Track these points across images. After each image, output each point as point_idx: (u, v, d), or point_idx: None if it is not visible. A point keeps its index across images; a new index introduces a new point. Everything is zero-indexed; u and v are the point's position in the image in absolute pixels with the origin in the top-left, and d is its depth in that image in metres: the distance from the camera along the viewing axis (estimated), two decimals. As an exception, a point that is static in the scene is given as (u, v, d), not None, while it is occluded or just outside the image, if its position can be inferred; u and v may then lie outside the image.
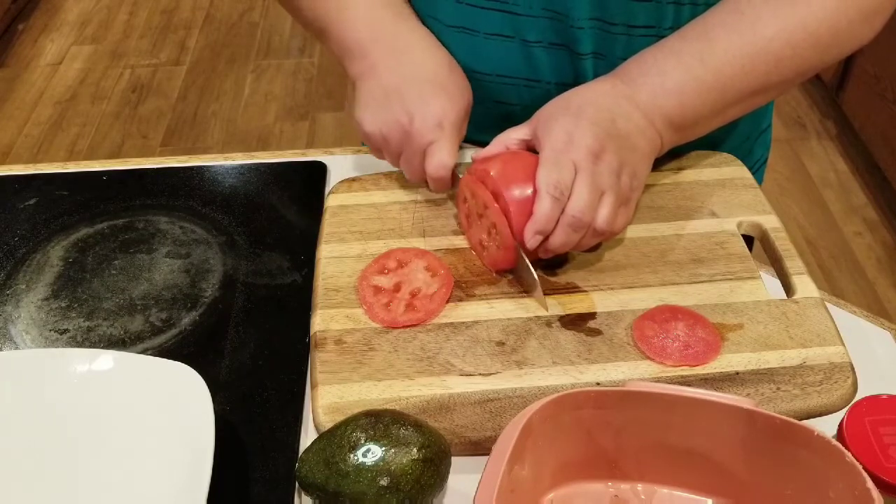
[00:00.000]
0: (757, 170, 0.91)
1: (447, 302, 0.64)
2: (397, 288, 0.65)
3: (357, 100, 0.72)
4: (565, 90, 0.69)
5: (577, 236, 0.62)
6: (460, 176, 0.69)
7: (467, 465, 0.55)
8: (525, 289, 0.65)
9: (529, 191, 0.62)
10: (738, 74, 0.66)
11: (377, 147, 0.72)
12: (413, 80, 0.70)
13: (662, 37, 0.70)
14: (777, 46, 0.66)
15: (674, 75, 0.66)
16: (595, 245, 0.68)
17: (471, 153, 0.71)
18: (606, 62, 0.73)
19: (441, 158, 0.68)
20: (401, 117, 0.68)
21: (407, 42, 0.72)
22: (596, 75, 0.74)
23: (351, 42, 0.72)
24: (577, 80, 0.74)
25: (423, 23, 0.76)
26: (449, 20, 0.75)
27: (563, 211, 0.61)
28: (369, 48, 0.71)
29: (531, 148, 0.67)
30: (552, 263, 0.67)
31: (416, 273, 0.67)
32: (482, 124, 0.77)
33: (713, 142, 0.81)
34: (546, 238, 0.62)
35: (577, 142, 0.62)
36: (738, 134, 0.85)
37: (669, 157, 0.77)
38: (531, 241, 0.62)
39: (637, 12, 0.71)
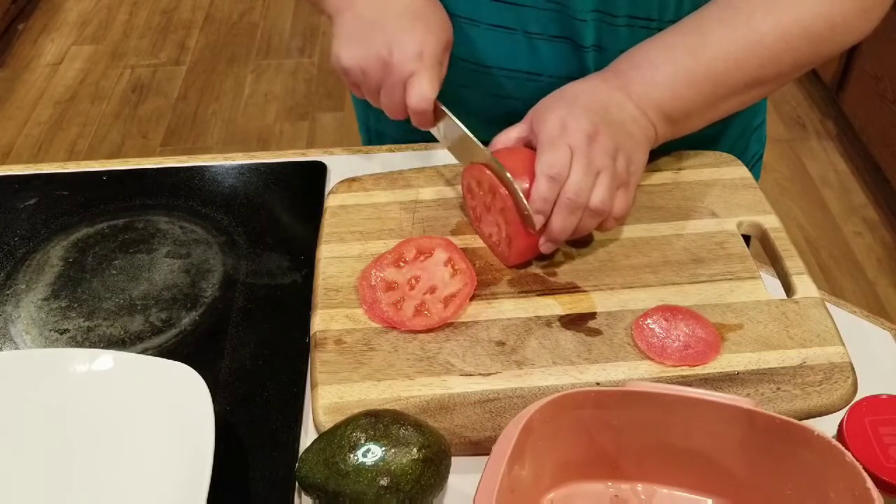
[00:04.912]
0: (753, 166, 0.91)
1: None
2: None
3: (335, 35, 0.70)
4: (566, 84, 0.69)
5: (575, 218, 0.62)
6: (443, 108, 0.68)
7: (467, 465, 0.55)
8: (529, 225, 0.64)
9: (528, 183, 0.63)
10: (730, 68, 0.67)
11: (355, 82, 0.70)
12: (392, 13, 0.68)
13: (663, 29, 0.70)
14: (771, 41, 0.66)
15: (665, 68, 0.67)
16: (588, 239, 0.69)
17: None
18: (608, 55, 0.73)
19: (422, 89, 0.66)
20: (380, 49, 0.67)
21: None
22: (597, 68, 0.74)
23: None
24: (579, 72, 0.74)
25: None
26: (453, 9, 0.74)
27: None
28: None
29: (529, 145, 0.67)
30: (553, 260, 0.67)
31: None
32: (485, 119, 0.77)
33: (710, 138, 0.81)
34: (546, 223, 0.63)
35: (572, 126, 0.63)
36: (733, 130, 0.85)
37: (669, 157, 0.77)
38: (533, 220, 0.62)
39: (639, 4, 0.71)
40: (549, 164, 0.61)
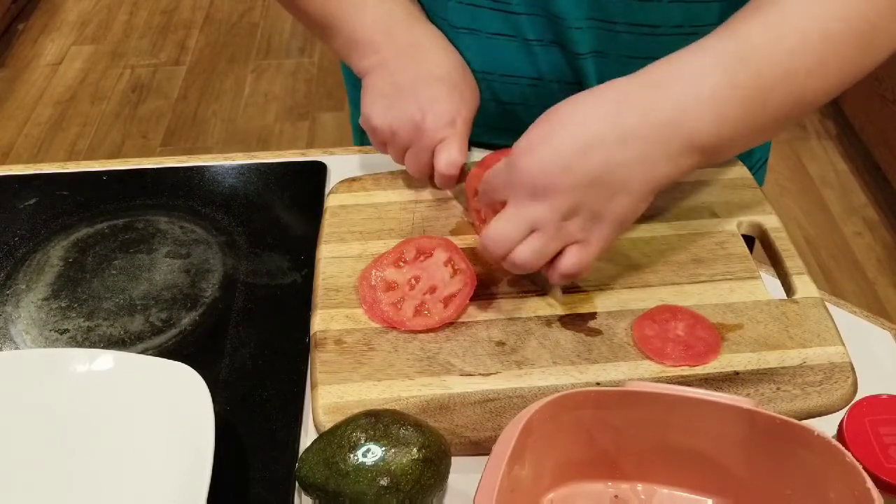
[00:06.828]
0: (757, 171, 0.91)
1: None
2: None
3: (365, 93, 0.72)
4: (568, 89, 0.69)
5: (521, 270, 0.61)
6: (468, 171, 0.70)
7: (467, 465, 0.55)
8: (540, 287, 0.65)
9: None
10: (778, 77, 0.58)
11: (383, 141, 0.72)
12: (426, 79, 0.70)
13: (668, 35, 0.69)
14: (814, 39, 0.58)
15: (711, 78, 0.57)
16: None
17: (479, 156, 0.71)
18: (608, 60, 0.73)
19: (451, 155, 0.69)
20: (413, 114, 0.69)
21: (420, 41, 0.73)
22: (597, 73, 0.73)
23: (362, 40, 0.73)
24: (578, 79, 0.74)
25: (433, 23, 0.76)
26: (456, 21, 0.75)
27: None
28: (381, 45, 0.72)
29: None
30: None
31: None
32: (488, 124, 0.77)
33: None
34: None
35: (524, 182, 0.58)
36: None
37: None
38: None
39: (638, 11, 0.71)
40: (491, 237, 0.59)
